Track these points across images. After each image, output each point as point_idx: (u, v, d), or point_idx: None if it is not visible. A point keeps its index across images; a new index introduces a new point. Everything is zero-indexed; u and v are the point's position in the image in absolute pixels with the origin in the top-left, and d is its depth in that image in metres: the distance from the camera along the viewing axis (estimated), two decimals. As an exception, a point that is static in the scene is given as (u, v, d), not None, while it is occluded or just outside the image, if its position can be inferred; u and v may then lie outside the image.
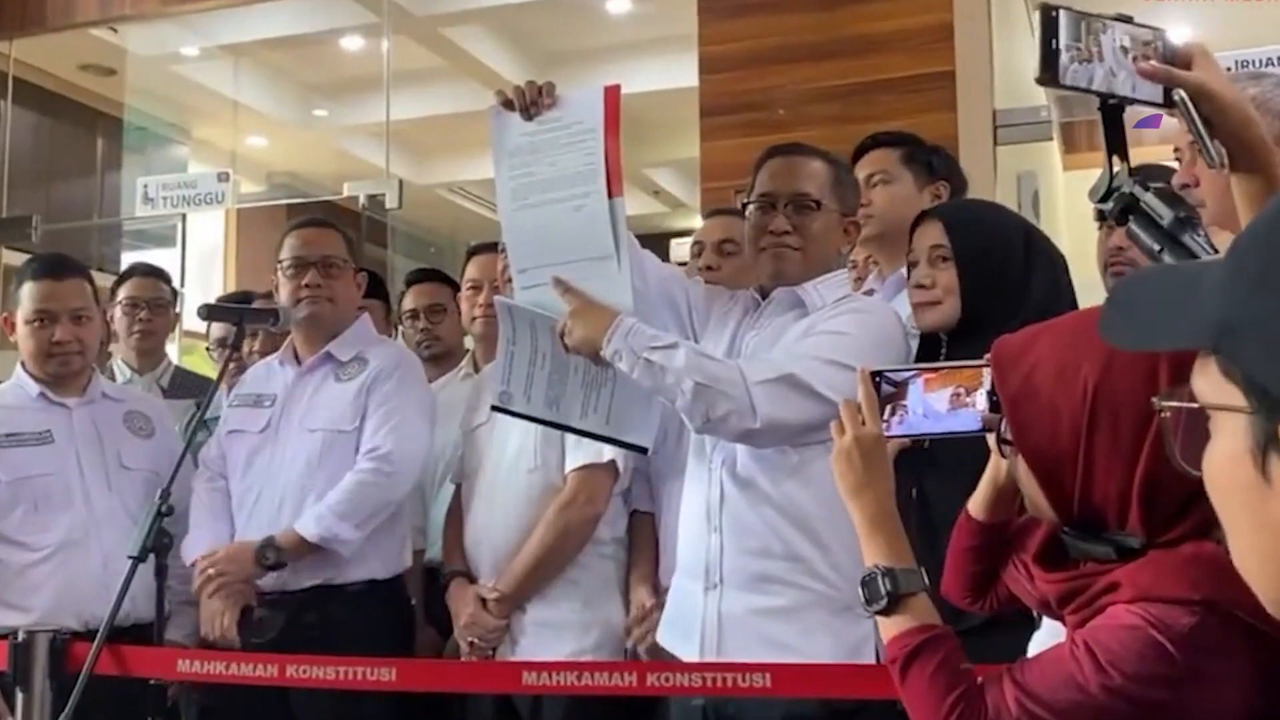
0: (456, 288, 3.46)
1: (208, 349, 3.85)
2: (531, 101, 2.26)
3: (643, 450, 2.48)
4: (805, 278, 2.31)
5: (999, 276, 2.22)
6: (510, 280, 2.45)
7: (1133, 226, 1.46)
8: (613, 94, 2.22)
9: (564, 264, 2.26)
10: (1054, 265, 2.28)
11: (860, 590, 1.44)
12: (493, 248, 3.01)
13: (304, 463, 2.86)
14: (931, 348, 2.27)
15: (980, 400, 1.46)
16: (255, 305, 3.28)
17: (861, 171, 2.76)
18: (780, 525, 2.20)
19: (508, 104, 2.29)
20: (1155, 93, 1.43)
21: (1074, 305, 2.19)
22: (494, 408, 2.48)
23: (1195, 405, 0.76)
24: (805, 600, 2.19)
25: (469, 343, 3.54)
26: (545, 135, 2.26)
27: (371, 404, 2.87)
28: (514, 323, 2.38)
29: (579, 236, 2.24)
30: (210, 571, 2.79)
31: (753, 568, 2.22)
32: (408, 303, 3.61)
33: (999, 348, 1.35)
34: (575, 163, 2.23)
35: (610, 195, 2.21)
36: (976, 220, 2.32)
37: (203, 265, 7.81)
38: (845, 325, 2.20)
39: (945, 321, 2.24)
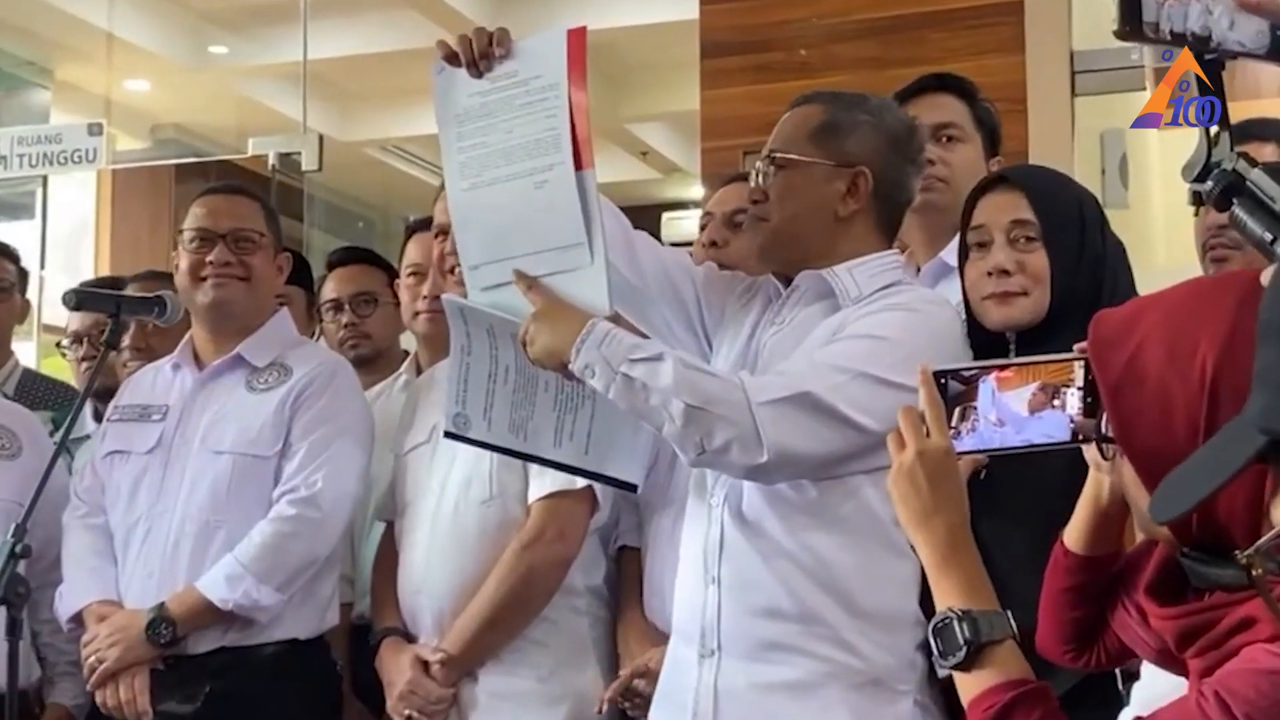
0: (392, 273, 3.47)
1: (59, 345, 3.84)
2: (481, 54, 2.27)
3: (631, 487, 2.50)
4: (782, 254, 2.33)
5: (1092, 262, 2.25)
6: (452, 270, 2.45)
7: (1237, 211, 1.47)
8: (577, 39, 2.22)
9: (525, 256, 2.27)
10: (1122, 251, 2.33)
11: (932, 640, 1.46)
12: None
13: (207, 491, 2.86)
14: (995, 351, 2.27)
15: (1072, 400, 1.47)
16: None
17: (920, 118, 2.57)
18: (794, 579, 2.20)
19: (452, 58, 2.29)
20: (1261, 37, 1.44)
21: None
22: (447, 434, 2.49)
23: (1276, 531, 0.76)
24: (822, 673, 2.19)
25: (408, 341, 3.54)
26: (498, 95, 2.27)
27: (297, 428, 2.88)
28: (468, 328, 2.38)
29: (542, 220, 2.25)
30: (91, 660, 2.80)
31: (758, 631, 2.22)
32: (329, 291, 3.61)
33: (1099, 324, 1.36)
34: (535, 128, 2.24)
35: (578, 168, 2.22)
36: (1064, 191, 2.34)
37: (68, 241, 7.80)
38: (885, 326, 2.18)
39: (1031, 318, 2.26)
